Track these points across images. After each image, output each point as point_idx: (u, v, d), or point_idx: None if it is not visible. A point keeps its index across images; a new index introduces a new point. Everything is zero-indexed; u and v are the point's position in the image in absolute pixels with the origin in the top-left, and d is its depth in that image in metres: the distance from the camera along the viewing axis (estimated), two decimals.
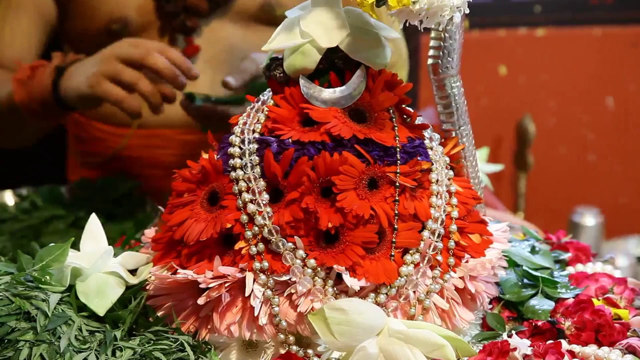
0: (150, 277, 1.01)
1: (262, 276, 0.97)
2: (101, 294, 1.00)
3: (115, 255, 1.05)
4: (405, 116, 1.06)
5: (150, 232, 1.08)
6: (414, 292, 1.00)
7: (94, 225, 1.07)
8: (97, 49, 1.47)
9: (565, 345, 1.00)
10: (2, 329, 0.93)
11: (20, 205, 1.51)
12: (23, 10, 1.54)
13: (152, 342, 0.96)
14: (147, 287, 1.01)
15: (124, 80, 1.32)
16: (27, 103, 1.42)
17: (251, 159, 1.00)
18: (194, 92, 1.45)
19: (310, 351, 0.98)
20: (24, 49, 1.54)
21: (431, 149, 1.05)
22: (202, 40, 1.58)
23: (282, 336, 0.98)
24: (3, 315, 0.94)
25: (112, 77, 1.33)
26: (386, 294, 0.99)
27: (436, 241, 1.01)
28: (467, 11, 1.01)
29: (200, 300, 0.97)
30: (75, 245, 1.05)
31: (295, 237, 0.98)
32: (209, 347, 0.97)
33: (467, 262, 1.03)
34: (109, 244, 1.26)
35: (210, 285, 0.96)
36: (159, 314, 1.00)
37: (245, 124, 1.03)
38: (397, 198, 1.00)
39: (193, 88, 1.48)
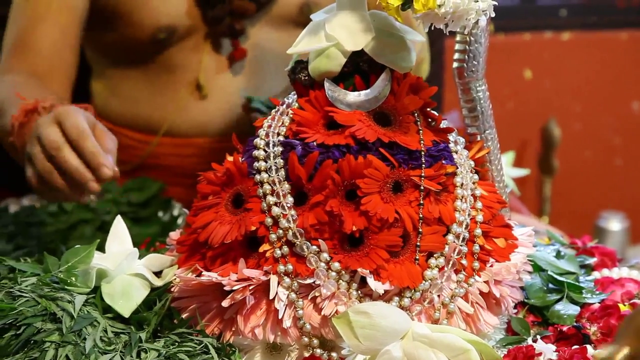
0: (175, 279, 1.01)
1: (287, 279, 0.98)
2: (126, 296, 1.00)
3: (140, 257, 1.06)
4: (430, 119, 1.06)
5: (175, 234, 1.08)
6: (439, 296, 1.00)
7: (119, 227, 1.07)
8: (140, 58, 1.47)
9: (590, 350, 1.00)
10: (28, 330, 0.93)
11: (47, 209, 1.51)
12: (57, 18, 1.52)
13: (176, 344, 0.96)
14: (172, 289, 1.02)
15: (38, 169, 1.14)
16: (17, 146, 1.31)
17: (276, 162, 1.00)
18: (252, 96, 1.45)
19: (334, 354, 0.98)
20: (62, 52, 1.53)
21: (456, 152, 1.05)
22: (245, 43, 1.57)
23: (306, 339, 0.98)
24: (29, 316, 0.94)
25: (31, 162, 1.16)
26: (410, 297, 0.98)
27: (461, 245, 1.01)
28: (493, 15, 1.00)
29: (225, 303, 0.97)
30: (101, 248, 1.05)
31: (319, 240, 0.98)
32: (234, 349, 0.97)
33: (491, 266, 1.03)
34: (135, 247, 1.26)
35: (235, 288, 0.96)
36: (184, 316, 1.00)
37: (270, 126, 1.03)
38: (421, 202, 1.00)
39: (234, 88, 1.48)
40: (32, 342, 0.92)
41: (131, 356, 0.92)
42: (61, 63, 1.48)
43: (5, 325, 0.94)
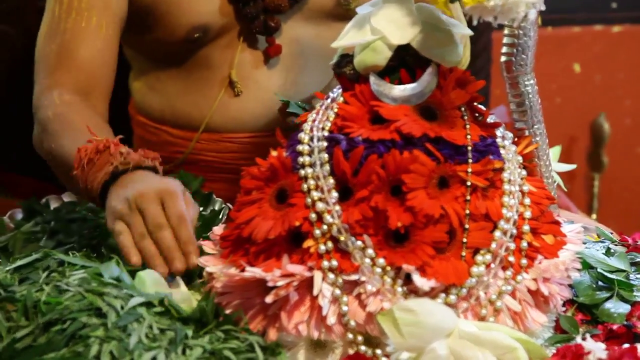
0: (218, 275, 1.01)
1: (331, 275, 0.97)
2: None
3: None
4: (477, 114, 1.05)
5: (219, 230, 1.08)
6: (485, 293, 0.99)
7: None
8: (176, 56, 1.48)
9: None
10: (74, 324, 0.93)
11: (88, 206, 1.52)
12: (99, 32, 1.53)
13: (221, 340, 0.96)
14: (216, 285, 1.01)
15: (131, 230, 1.18)
16: (82, 189, 1.32)
17: (320, 157, 1.00)
18: (288, 100, 1.45)
19: (379, 351, 0.97)
20: (103, 68, 1.53)
21: (504, 147, 1.04)
22: (279, 39, 1.57)
23: (350, 336, 0.97)
24: (75, 310, 0.95)
25: (124, 220, 1.20)
26: (457, 294, 0.97)
27: (508, 241, 1.00)
28: (543, 8, 0.99)
29: (268, 299, 0.96)
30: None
31: (364, 235, 0.97)
32: (280, 350, 0.96)
33: (540, 263, 1.01)
34: None
35: (278, 284, 0.96)
36: (227, 311, 1.00)
37: (314, 121, 1.03)
38: (468, 197, 0.99)
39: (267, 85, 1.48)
40: (77, 336, 0.93)
41: (176, 353, 0.92)
42: (102, 78, 1.50)
43: (52, 319, 0.94)
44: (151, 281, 1.02)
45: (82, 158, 1.29)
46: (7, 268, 1.04)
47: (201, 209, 1.50)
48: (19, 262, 1.04)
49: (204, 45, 1.52)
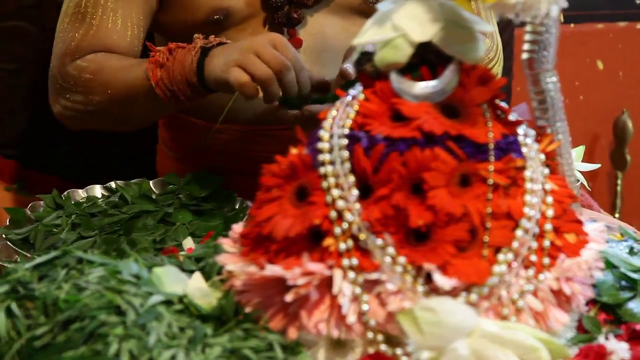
0: (238, 273, 1.01)
1: (351, 273, 0.97)
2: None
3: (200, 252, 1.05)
4: (499, 112, 1.04)
5: (238, 227, 1.07)
6: (507, 292, 0.98)
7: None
8: (192, 39, 1.48)
9: None
10: (93, 322, 0.93)
11: (109, 200, 1.52)
12: (124, 29, 1.55)
13: (241, 338, 0.96)
14: (235, 283, 1.01)
15: (255, 74, 1.36)
16: (164, 84, 1.44)
17: (340, 155, 0.99)
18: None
19: (399, 351, 0.97)
20: (135, 38, 1.56)
21: (526, 145, 1.03)
22: (302, 32, 1.57)
23: (370, 335, 0.97)
24: (94, 308, 0.94)
25: (244, 66, 1.36)
26: (478, 293, 0.97)
27: (530, 240, 0.99)
28: (565, 5, 0.99)
29: (288, 297, 0.96)
30: (163, 242, 1.05)
31: (384, 234, 0.97)
32: (300, 349, 0.96)
33: (562, 262, 1.01)
34: (197, 242, 1.27)
35: (298, 282, 0.96)
36: (247, 310, 0.99)
37: (334, 118, 1.02)
38: (489, 196, 0.98)
39: None
40: (96, 334, 0.92)
41: (195, 351, 0.92)
42: (139, 44, 1.53)
43: (71, 317, 0.94)
44: (168, 278, 1.02)
45: (157, 64, 1.39)
46: (26, 266, 1.04)
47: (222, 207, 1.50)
48: (38, 260, 1.04)
49: (226, 29, 1.52)
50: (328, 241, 0.97)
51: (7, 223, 1.51)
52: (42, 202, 1.55)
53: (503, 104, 1.05)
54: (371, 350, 0.97)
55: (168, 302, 0.98)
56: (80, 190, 1.58)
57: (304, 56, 1.56)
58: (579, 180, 1.28)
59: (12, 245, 1.43)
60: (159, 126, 1.75)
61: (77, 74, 1.55)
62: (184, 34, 1.54)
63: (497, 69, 1.65)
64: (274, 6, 1.53)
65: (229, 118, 1.59)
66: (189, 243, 1.29)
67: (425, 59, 1.02)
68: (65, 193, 1.57)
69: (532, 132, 1.06)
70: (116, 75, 1.51)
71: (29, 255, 1.37)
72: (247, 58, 1.35)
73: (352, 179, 0.98)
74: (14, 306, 0.97)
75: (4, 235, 1.46)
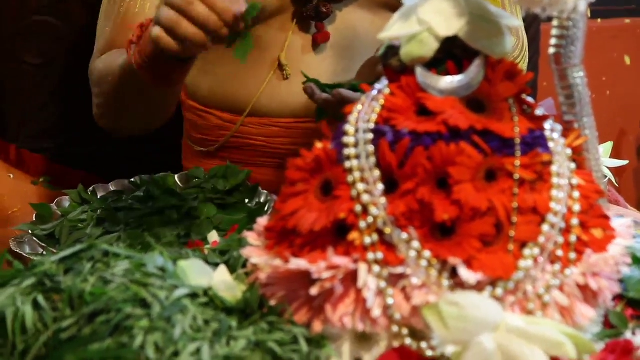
0: (263, 266, 1.01)
1: (376, 267, 0.96)
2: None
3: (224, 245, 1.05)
4: (525, 107, 1.04)
5: (263, 221, 1.08)
6: (533, 287, 0.98)
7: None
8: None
9: None
10: (119, 315, 0.94)
11: (134, 194, 1.53)
12: (151, 13, 1.55)
13: (265, 331, 0.96)
14: (260, 276, 1.01)
15: (159, 22, 1.29)
16: (140, 63, 1.40)
17: (366, 149, 0.99)
18: (319, 81, 1.45)
19: (424, 344, 0.96)
20: None
21: (552, 140, 1.03)
22: (331, 27, 1.57)
23: (395, 329, 0.97)
24: (120, 301, 0.95)
25: (158, 21, 1.30)
26: (504, 288, 0.97)
27: (556, 235, 0.99)
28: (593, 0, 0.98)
29: (313, 291, 0.96)
30: (188, 236, 1.06)
31: (410, 228, 0.96)
32: (325, 342, 0.96)
33: (589, 257, 1.00)
34: (221, 235, 1.27)
35: (323, 276, 0.96)
36: (272, 303, 1.00)
37: (360, 113, 1.02)
38: (515, 191, 0.98)
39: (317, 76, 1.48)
40: (121, 327, 0.93)
41: (220, 344, 0.92)
42: None
43: (97, 310, 0.94)
44: (193, 271, 1.02)
45: (131, 44, 1.36)
46: (53, 259, 1.04)
47: (247, 200, 1.50)
48: (64, 253, 1.04)
49: (256, 24, 1.52)
50: (353, 235, 0.97)
51: (33, 218, 1.52)
52: (67, 197, 1.56)
53: (529, 99, 1.05)
54: (396, 344, 0.97)
55: (193, 295, 0.98)
56: (105, 185, 1.59)
57: (331, 51, 1.56)
58: (606, 176, 1.28)
59: (37, 241, 1.44)
60: (185, 121, 1.76)
61: (93, 72, 1.57)
62: None
63: (522, 66, 1.64)
64: (303, 0, 1.53)
65: (254, 111, 1.59)
66: (213, 236, 1.29)
67: (451, 54, 1.01)
68: (90, 188, 1.58)
69: (559, 127, 1.05)
70: (115, 69, 1.50)
71: (54, 250, 1.38)
72: (160, 12, 1.29)
73: (377, 173, 0.98)
74: (40, 299, 0.97)
75: (30, 231, 1.47)
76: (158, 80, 1.41)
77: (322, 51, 1.55)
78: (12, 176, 1.85)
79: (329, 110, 1.41)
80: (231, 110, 1.61)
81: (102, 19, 1.60)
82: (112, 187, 1.59)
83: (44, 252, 1.40)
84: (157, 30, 1.28)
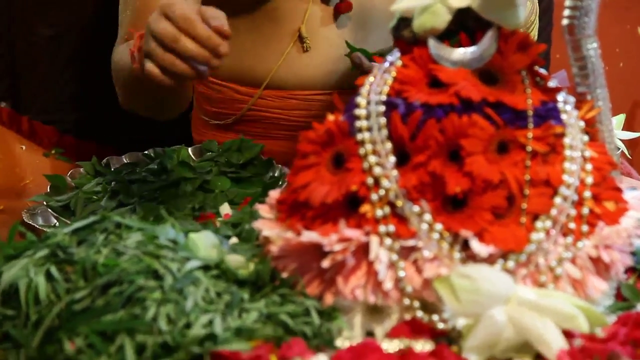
0: (275, 239, 1.01)
1: (388, 240, 0.96)
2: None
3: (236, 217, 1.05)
4: (538, 78, 1.03)
5: (275, 194, 1.08)
6: (545, 259, 0.98)
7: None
8: (243, 8, 1.48)
9: None
10: (131, 286, 0.94)
11: (148, 167, 1.53)
12: None
13: (277, 304, 0.96)
14: (272, 249, 1.01)
15: (158, 62, 1.25)
16: (142, 73, 1.39)
17: (378, 121, 0.99)
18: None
19: (435, 317, 0.97)
20: None
21: (565, 112, 1.02)
22: None
23: (407, 301, 0.97)
24: (132, 273, 0.95)
25: (150, 57, 1.26)
26: (515, 261, 0.97)
27: (569, 208, 0.99)
28: None
29: (325, 263, 0.96)
30: (202, 210, 1.06)
31: (421, 201, 0.96)
32: (337, 314, 0.96)
33: (601, 230, 1.00)
34: (234, 209, 1.27)
35: (335, 248, 0.96)
36: (284, 275, 1.00)
37: (372, 85, 1.02)
38: (528, 163, 0.98)
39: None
40: (134, 298, 0.93)
41: (232, 316, 0.93)
42: None
43: (110, 282, 0.95)
44: (204, 243, 1.03)
45: (132, 56, 1.35)
46: (66, 230, 1.05)
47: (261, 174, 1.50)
48: (77, 225, 1.05)
49: None
50: (365, 208, 0.97)
51: (48, 190, 1.52)
52: (81, 169, 1.56)
53: (542, 71, 1.04)
54: (407, 317, 0.97)
55: (205, 267, 0.98)
56: (119, 157, 1.59)
57: (350, 22, 1.55)
58: (619, 148, 1.27)
59: (51, 212, 1.44)
60: (196, 94, 1.76)
61: (113, 60, 1.56)
62: (234, 3, 1.53)
63: (534, 33, 1.63)
64: None
65: (272, 84, 1.59)
66: (225, 209, 1.29)
67: (464, 25, 1.01)
68: (104, 160, 1.58)
69: (572, 99, 1.05)
70: (126, 69, 1.49)
71: (69, 222, 1.38)
72: (148, 45, 1.25)
73: (389, 145, 0.98)
74: (53, 270, 0.98)
75: (44, 202, 1.47)
76: (161, 88, 1.38)
77: (341, 22, 1.55)
78: (24, 148, 1.85)
79: None
80: (249, 84, 1.60)
81: (122, 4, 1.59)
82: (125, 159, 1.59)
83: (57, 224, 1.41)
84: (150, 67, 1.25)
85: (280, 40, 1.56)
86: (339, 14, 1.55)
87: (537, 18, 1.67)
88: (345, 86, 1.54)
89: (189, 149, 1.58)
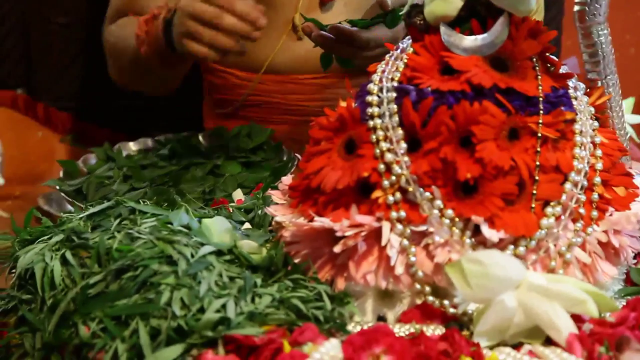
0: (287, 224, 1.02)
1: (399, 226, 0.97)
2: None
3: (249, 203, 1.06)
4: (549, 65, 1.03)
5: (287, 180, 1.08)
6: (555, 245, 0.98)
7: None
8: None
9: None
10: (145, 271, 0.95)
11: (159, 152, 1.54)
12: None
13: (289, 289, 0.96)
14: (284, 234, 1.02)
15: (203, 40, 1.38)
16: (152, 57, 1.48)
17: (389, 108, 0.99)
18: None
19: (446, 302, 0.97)
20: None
21: (575, 98, 1.03)
22: None
23: (418, 286, 0.97)
24: (146, 258, 0.96)
25: (191, 36, 1.39)
26: (526, 246, 0.97)
27: (579, 194, 0.99)
28: None
29: (337, 249, 0.97)
30: (212, 194, 1.06)
31: (433, 187, 0.97)
32: (348, 299, 0.97)
33: (611, 215, 1.00)
34: (246, 193, 1.28)
35: (347, 234, 0.96)
36: (296, 260, 1.00)
37: (383, 72, 1.02)
38: (538, 149, 0.98)
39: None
40: (148, 283, 0.94)
41: (245, 301, 0.93)
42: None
43: (124, 266, 0.96)
44: (217, 229, 1.03)
45: (139, 39, 1.46)
46: (80, 215, 1.06)
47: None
48: (92, 210, 1.06)
49: None
50: (376, 193, 0.98)
51: (61, 175, 1.53)
52: (93, 154, 1.57)
53: (553, 57, 1.04)
54: (418, 302, 0.98)
55: (218, 253, 0.99)
56: (131, 143, 1.60)
57: (345, 8, 1.56)
58: (629, 134, 1.27)
59: (65, 196, 1.45)
60: (205, 83, 1.77)
61: (107, 39, 1.63)
62: None
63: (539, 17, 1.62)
64: None
65: (270, 69, 1.61)
66: (238, 195, 1.30)
67: (475, 12, 1.01)
68: (116, 145, 1.59)
69: (582, 86, 1.05)
70: (125, 41, 1.55)
71: (82, 205, 1.40)
72: (187, 26, 1.38)
73: (400, 132, 0.98)
74: (68, 255, 0.98)
75: (57, 187, 1.48)
76: (168, 66, 1.51)
77: (335, 10, 1.56)
78: (40, 134, 1.86)
79: (327, 48, 1.41)
80: (248, 69, 1.63)
81: None
82: (137, 144, 1.60)
83: (72, 210, 1.42)
84: (192, 45, 1.38)
85: (276, 28, 1.59)
86: (324, 3, 1.57)
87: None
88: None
89: (200, 135, 1.59)
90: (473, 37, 1.00)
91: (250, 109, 1.65)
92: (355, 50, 1.38)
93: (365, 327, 0.94)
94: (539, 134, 0.98)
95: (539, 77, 1.00)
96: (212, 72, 1.69)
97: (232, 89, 1.66)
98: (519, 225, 0.96)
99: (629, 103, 1.53)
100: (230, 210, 1.18)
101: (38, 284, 0.97)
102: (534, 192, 0.97)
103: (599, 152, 1.02)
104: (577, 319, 0.92)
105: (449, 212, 0.96)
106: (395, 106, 0.99)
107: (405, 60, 1.02)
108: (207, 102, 1.78)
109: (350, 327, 0.95)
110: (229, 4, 1.36)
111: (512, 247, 0.97)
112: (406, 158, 0.98)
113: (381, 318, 0.98)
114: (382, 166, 0.98)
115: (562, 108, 1.00)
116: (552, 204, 0.98)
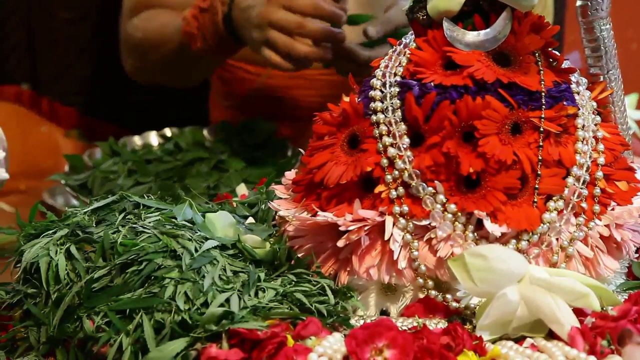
0: (291, 218, 1.02)
1: (402, 220, 0.97)
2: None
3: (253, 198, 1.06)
4: (551, 60, 1.03)
5: (291, 174, 1.09)
6: (557, 239, 0.98)
7: None
8: None
9: None
10: (149, 266, 0.95)
11: (164, 147, 1.55)
12: None
13: (293, 283, 0.97)
14: (288, 229, 1.02)
15: (280, 49, 1.38)
16: (209, 52, 1.48)
17: (392, 103, 1.00)
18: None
19: (449, 296, 0.97)
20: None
21: (578, 93, 1.03)
22: None
23: (421, 280, 0.98)
24: (151, 252, 0.96)
25: (271, 45, 1.38)
26: (528, 240, 0.97)
27: (581, 188, 0.99)
28: None
29: (340, 243, 0.97)
30: (217, 188, 1.07)
31: (435, 181, 0.97)
32: (351, 293, 0.97)
33: (613, 209, 1.01)
34: (250, 189, 1.28)
35: (350, 228, 0.97)
36: (299, 255, 1.01)
37: (386, 67, 1.02)
38: (541, 144, 0.98)
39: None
40: (152, 277, 0.94)
41: (249, 295, 0.94)
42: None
43: (128, 261, 0.96)
44: (221, 223, 1.04)
45: (193, 18, 1.41)
46: (85, 210, 1.06)
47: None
48: (96, 204, 1.06)
49: None
50: (379, 188, 0.98)
51: (66, 169, 1.54)
52: (99, 149, 1.58)
53: (556, 52, 1.04)
54: (421, 296, 0.98)
55: (222, 247, 0.99)
56: (136, 137, 1.61)
57: (355, 6, 1.56)
58: (632, 129, 1.28)
59: (70, 191, 1.46)
60: (213, 78, 1.77)
61: (132, 34, 1.60)
62: None
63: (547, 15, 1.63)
64: None
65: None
66: (242, 189, 1.30)
67: (478, 7, 1.01)
68: (121, 140, 1.59)
69: (584, 80, 1.05)
70: (162, 35, 1.54)
71: (87, 200, 1.40)
72: (268, 36, 1.37)
73: (403, 127, 0.99)
74: (73, 249, 0.99)
75: (62, 181, 1.49)
76: (220, 56, 1.52)
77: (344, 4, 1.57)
78: (44, 129, 1.86)
79: (328, 62, 1.43)
80: (257, 63, 1.63)
81: None
82: (141, 139, 1.60)
83: (77, 204, 1.42)
84: (271, 54, 1.38)
85: None
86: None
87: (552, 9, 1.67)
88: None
89: (204, 130, 1.59)
90: (476, 32, 1.00)
91: (257, 103, 1.66)
92: (356, 66, 1.40)
93: (368, 321, 0.94)
94: (542, 129, 0.98)
95: (542, 71, 1.00)
96: (222, 66, 1.70)
97: (240, 83, 1.67)
98: (522, 219, 0.97)
99: (632, 99, 1.54)
100: (234, 204, 1.18)
101: (43, 278, 0.97)
102: (537, 186, 0.98)
103: (601, 147, 1.02)
104: (579, 312, 0.92)
105: (452, 206, 0.97)
106: (398, 101, 0.99)
107: (408, 55, 1.02)
108: (213, 96, 1.78)
109: (353, 321, 0.95)
110: (316, 9, 1.35)
111: (514, 241, 0.97)
112: (409, 153, 0.98)
113: (384, 312, 0.99)
114: (385, 161, 0.98)
115: (565, 103, 1.00)
116: (554, 198, 0.98)
